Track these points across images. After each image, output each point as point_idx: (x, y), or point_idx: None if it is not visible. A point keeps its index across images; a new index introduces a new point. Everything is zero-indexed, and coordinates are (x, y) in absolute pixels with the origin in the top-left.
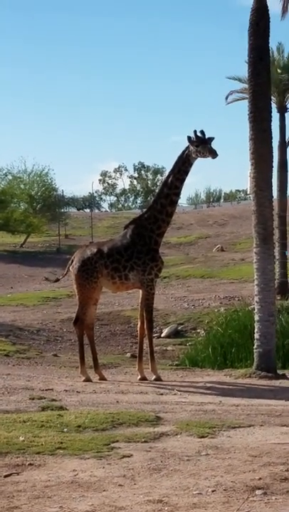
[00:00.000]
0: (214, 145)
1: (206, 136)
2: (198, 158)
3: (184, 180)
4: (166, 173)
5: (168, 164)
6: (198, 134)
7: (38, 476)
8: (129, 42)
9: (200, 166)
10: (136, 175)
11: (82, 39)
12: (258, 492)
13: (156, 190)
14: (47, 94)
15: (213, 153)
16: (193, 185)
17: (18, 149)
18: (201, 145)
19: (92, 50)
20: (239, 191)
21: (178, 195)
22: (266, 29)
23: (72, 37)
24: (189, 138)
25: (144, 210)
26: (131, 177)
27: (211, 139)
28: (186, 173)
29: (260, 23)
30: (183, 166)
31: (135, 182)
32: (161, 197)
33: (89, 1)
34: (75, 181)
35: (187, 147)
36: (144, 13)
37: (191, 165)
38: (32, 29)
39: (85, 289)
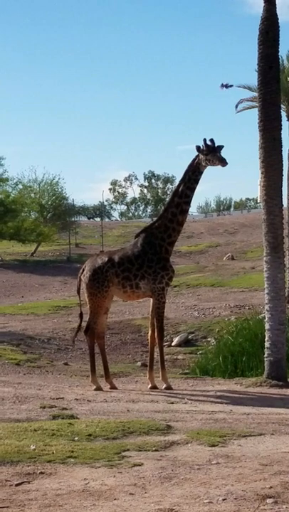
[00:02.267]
0: (224, 153)
1: (216, 145)
2: (208, 167)
3: (194, 189)
4: (177, 182)
5: (178, 173)
6: (208, 143)
7: (49, 485)
8: (138, 52)
9: (210, 174)
10: (146, 184)
11: (91, 50)
12: (268, 501)
13: (167, 199)
14: (58, 104)
15: (223, 162)
16: (204, 193)
17: (28, 159)
18: (211, 153)
19: (102, 61)
20: (249, 200)
21: (188, 203)
22: (276, 38)
23: (82, 48)
24: (198, 147)
25: (155, 218)
26: (141, 186)
27: (221, 147)
28: (196, 181)
29: (269, 32)
30: (193, 174)
31: (145, 191)
32: (171, 206)
33: (99, 11)
34: (85, 190)
35: (197, 156)
36: (153, 23)
37: (201, 173)
38: (43, 40)
39: (96, 298)
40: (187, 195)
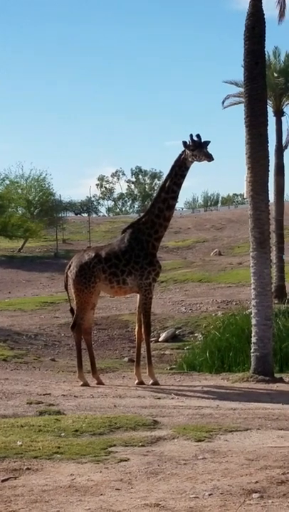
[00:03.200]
0: (211, 149)
1: (202, 140)
2: (195, 162)
3: (180, 184)
4: (164, 177)
5: (165, 168)
6: (194, 138)
7: (35, 481)
8: (124, 47)
9: (197, 170)
10: (133, 179)
11: (77, 45)
12: (254, 495)
13: (154, 195)
14: (44, 99)
15: (209, 157)
16: (191, 189)
17: (15, 154)
18: (197, 149)
19: (88, 56)
20: (236, 195)
21: (175, 199)
22: (262, 34)
23: (67, 43)
24: (185, 142)
25: (142, 214)
26: (128, 181)
27: (207, 142)
28: (183, 177)
29: (255, 28)
30: (179, 170)
31: (132, 186)
32: (158, 201)
33: (82, 7)
34: (72, 186)
35: (183, 151)
36: (139, 19)
37: (187, 169)
38: (28, 37)
39: (83, 294)
40: (174, 191)
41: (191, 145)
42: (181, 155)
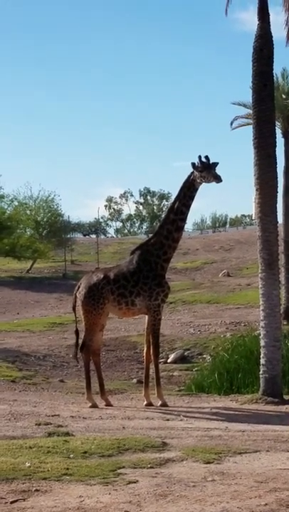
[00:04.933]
0: (219, 170)
1: (211, 162)
2: (203, 184)
3: (189, 205)
4: (172, 198)
5: (173, 189)
6: (203, 160)
7: (44, 502)
8: (132, 68)
9: (205, 191)
10: (141, 200)
11: (87, 66)
12: None
13: (163, 216)
14: (52, 120)
15: (218, 179)
16: (199, 210)
17: (24, 175)
18: (206, 170)
19: (96, 76)
20: (245, 216)
21: (184, 220)
22: (270, 55)
23: (78, 64)
24: (193, 164)
25: (150, 235)
26: (136, 202)
27: (216, 164)
28: (192, 198)
29: (263, 50)
30: (188, 191)
31: (141, 207)
32: (167, 223)
33: (88, 23)
34: (80, 207)
35: (192, 172)
36: (147, 39)
37: (196, 190)
38: (38, 55)
39: (92, 315)
40: (182, 212)
41: (200, 166)
42: (189, 176)
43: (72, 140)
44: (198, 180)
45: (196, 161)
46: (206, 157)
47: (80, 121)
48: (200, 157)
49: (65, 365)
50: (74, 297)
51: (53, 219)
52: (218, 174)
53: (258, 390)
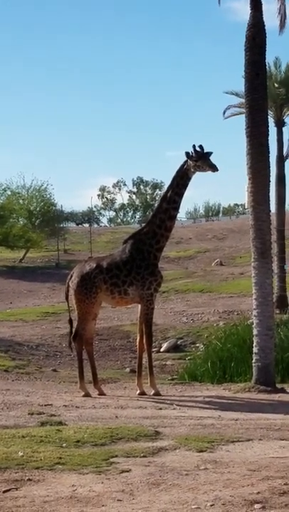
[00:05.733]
0: (212, 159)
1: (205, 151)
2: (197, 173)
3: (182, 194)
4: (165, 187)
5: (166, 179)
6: (197, 149)
7: (36, 492)
8: (126, 59)
9: (198, 180)
10: (135, 189)
11: (79, 57)
12: (256, 506)
13: (155, 205)
14: (45, 110)
15: (213, 168)
16: (192, 199)
17: (16, 165)
18: (200, 159)
19: (90, 67)
20: (238, 205)
21: (177, 209)
22: (262, 44)
23: (70, 56)
24: (188, 153)
25: (143, 224)
26: (130, 192)
27: (210, 153)
28: (185, 187)
29: (256, 39)
30: (181, 180)
31: (134, 197)
32: (160, 212)
33: (86, 19)
34: (74, 196)
35: (185, 162)
36: (138, 30)
37: (189, 179)
38: (31, 48)
39: (84, 304)
40: (175, 201)
41: (194, 156)
42: (183, 165)
43: (65, 130)
44: (192, 170)
45: (190, 150)
46: (200, 146)
47: (73, 112)
48: (194, 146)
49: (58, 354)
50: (67, 286)
51: (45, 208)
52: (214, 163)
53: (251, 379)
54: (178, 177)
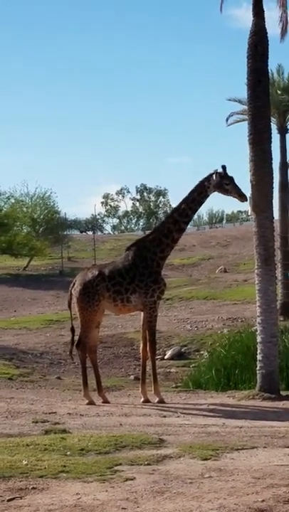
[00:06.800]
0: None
1: (227, 172)
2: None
3: (196, 210)
4: (169, 195)
5: (169, 186)
6: (226, 171)
7: (41, 500)
8: (128, 65)
9: None
10: (138, 197)
11: (81, 62)
12: None
13: (160, 213)
14: (49, 117)
15: (243, 197)
16: None
17: (20, 173)
18: (231, 184)
19: (91, 73)
20: (241, 212)
21: (187, 223)
22: (265, 52)
23: (72, 60)
24: (219, 173)
25: (147, 232)
26: (133, 199)
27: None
28: (200, 204)
29: (258, 46)
30: (198, 196)
31: (137, 204)
32: (169, 222)
33: (85, 22)
34: (77, 204)
35: (207, 179)
36: (141, 35)
37: (207, 197)
38: (32, 48)
39: (87, 312)
40: (188, 216)
41: (226, 179)
42: (203, 181)
43: (68, 137)
44: (213, 189)
45: (217, 169)
46: (224, 167)
47: (76, 119)
48: (224, 167)
49: (62, 362)
50: (69, 294)
51: (49, 216)
52: (244, 193)
53: (255, 386)
54: (195, 192)
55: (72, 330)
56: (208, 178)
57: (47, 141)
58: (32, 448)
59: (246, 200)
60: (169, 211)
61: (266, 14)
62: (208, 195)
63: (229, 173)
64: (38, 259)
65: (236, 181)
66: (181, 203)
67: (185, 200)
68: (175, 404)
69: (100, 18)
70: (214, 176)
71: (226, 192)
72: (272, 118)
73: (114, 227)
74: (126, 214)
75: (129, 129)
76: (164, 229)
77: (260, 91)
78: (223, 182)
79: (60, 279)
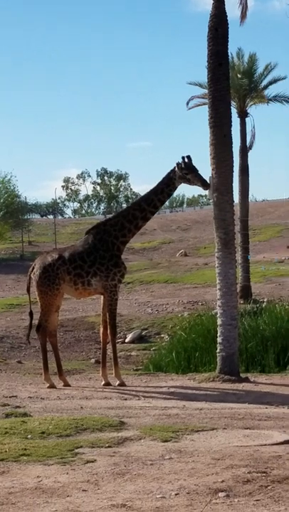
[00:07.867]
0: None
1: (192, 162)
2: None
3: (164, 202)
4: (130, 179)
5: (130, 170)
6: (186, 161)
7: (1, 483)
8: (86, 50)
9: (162, 173)
10: (99, 181)
11: (44, 48)
12: (220, 494)
13: (125, 198)
14: (9, 101)
15: (206, 185)
16: None
17: None
18: (192, 173)
19: (54, 58)
20: (201, 196)
21: (153, 214)
22: (225, 34)
23: (33, 45)
24: (179, 164)
25: (108, 216)
26: (94, 183)
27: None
28: (169, 196)
29: (218, 29)
30: (167, 188)
31: (98, 188)
32: (135, 208)
33: (45, 12)
34: (38, 188)
35: (173, 171)
36: (99, 20)
37: (175, 189)
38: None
39: (47, 296)
40: (156, 206)
41: (185, 168)
42: (169, 174)
43: (29, 122)
44: (178, 180)
45: (180, 160)
46: (188, 157)
47: (36, 103)
48: (184, 158)
49: (22, 346)
50: (28, 278)
51: (9, 200)
52: (206, 180)
53: (216, 369)
54: (163, 184)
55: (31, 314)
56: (174, 169)
57: (8, 125)
58: None
59: (208, 188)
60: (129, 195)
61: None
62: (176, 187)
63: (192, 158)
64: None
65: (198, 168)
66: (150, 193)
67: (154, 191)
68: (136, 387)
69: (65, 10)
70: (176, 167)
71: (188, 182)
72: (232, 102)
73: (74, 211)
74: (87, 198)
75: (89, 113)
76: (129, 214)
77: (220, 74)
78: (183, 173)
79: (20, 263)
